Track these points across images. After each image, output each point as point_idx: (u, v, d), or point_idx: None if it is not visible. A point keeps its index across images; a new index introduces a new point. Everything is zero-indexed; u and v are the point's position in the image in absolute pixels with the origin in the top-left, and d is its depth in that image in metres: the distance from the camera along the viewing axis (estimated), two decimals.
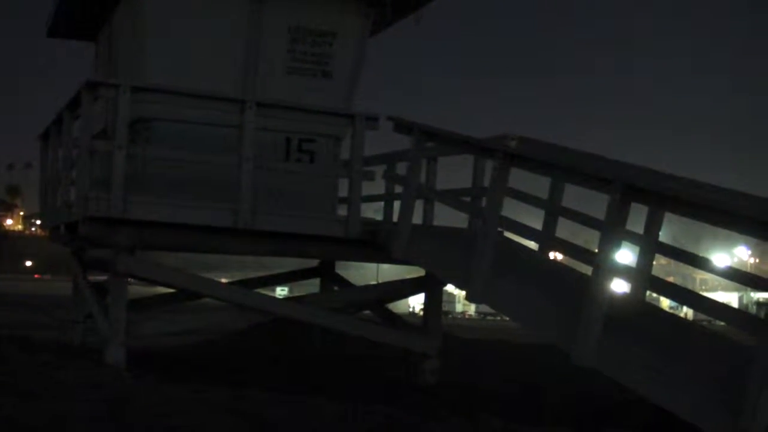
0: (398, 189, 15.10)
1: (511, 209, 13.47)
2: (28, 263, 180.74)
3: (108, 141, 13.05)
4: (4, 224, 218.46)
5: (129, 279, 13.04)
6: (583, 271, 12.08)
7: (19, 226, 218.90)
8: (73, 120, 13.45)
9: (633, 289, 11.43)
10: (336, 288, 16.95)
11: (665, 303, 44.10)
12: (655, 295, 11.99)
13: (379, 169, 15.47)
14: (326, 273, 17.17)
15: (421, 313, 15.71)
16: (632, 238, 11.39)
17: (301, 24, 14.80)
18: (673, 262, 13.06)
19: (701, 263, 11.80)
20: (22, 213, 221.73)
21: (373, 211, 16.53)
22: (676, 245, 12.84)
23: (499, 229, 12.64)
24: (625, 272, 11.57)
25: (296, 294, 18.73)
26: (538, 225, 13.59)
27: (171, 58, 14.13)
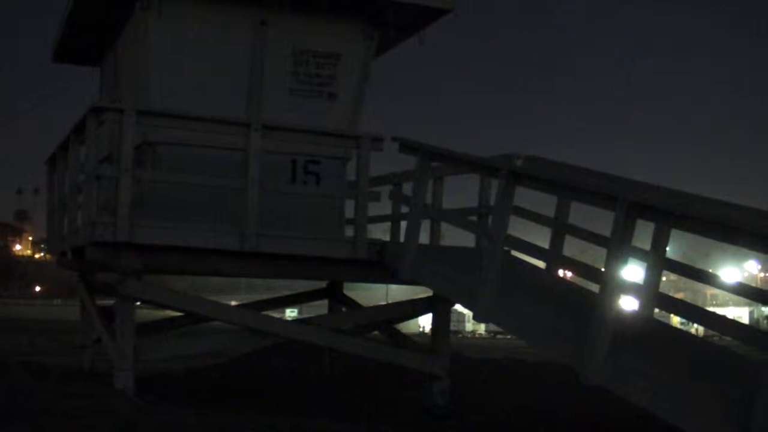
0: (405, 209, 15.08)
1: (519, 227, 13.49)
2: (37, 288, 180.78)
3: (113, 165, 13.05)
4: (13, 249, 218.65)
5: (136, 303, 13.04)
6: (591, 289, 12.07)
7: (28, 251, 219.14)
8: (79, 145, 13.46)
9: (641, 306, 11.40)
10: (344, 309, 16.92)
11: (675, 319, 43.97)
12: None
13: (386, 190, 15.47)
14: (335, 294, 17.15)
15: (430, 333, 15.66)
16: (639, 254, 11.37)
17: (304, 46, 14.83)
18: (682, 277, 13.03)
19: (709, 279, 11.80)
20: (30, 238, 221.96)
21: (380, 232, 16.51)
22: (685, 260, 12.82)
23: (506, 248, 12.62)
24: (633, 289, 11.54)
25: (306, 315, 18.73)
26: (545, 243, 13.58)
27: (175, 81, 14.16)
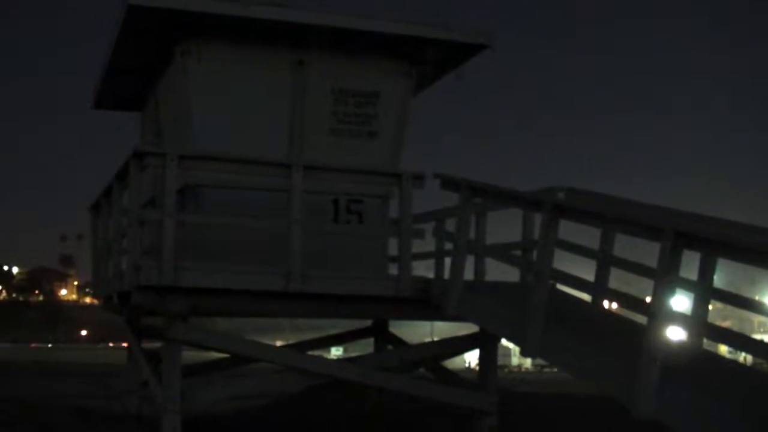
0: (449, 245, 15.03)
1: (563, 260, 13.40)
2: (83, 332, 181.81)
3: (157, 210, 13.10)
4: (59, 294, 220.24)
5: (183, 345, 13.06)
6: (638, 321, 11.96)
7: (74, 296, 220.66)
8: (122, 190, 13.54)
9: (690, 336, 11.28)
10: (390, 347, 16.86)
11: (723, 348, 43.56)
12: None
13: (429, 226, 15.45)
14: (380, 332, 17.10)
15: (477, 368, 15.56)
16: (686, 284, 11.27)
17: (344, 86, 14.89)
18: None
19: (756, 307, 11.66)
20: (75, 282, 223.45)
21: (424, 269, 16.47)
22: (731, 288, 12.68)
23: (551, 281, 12.54)
24: (680, 320, 11.43)
25: (351, 353, 18.67)
26: (590, 275, 13.49)
27: (216, 124, 14.25)
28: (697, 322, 11.21)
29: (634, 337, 10.38)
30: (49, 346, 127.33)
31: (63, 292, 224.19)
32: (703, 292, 11.23)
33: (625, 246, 13.24)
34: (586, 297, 13.77)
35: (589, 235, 13.45)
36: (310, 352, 15.93)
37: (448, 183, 13.16)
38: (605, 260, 13.29)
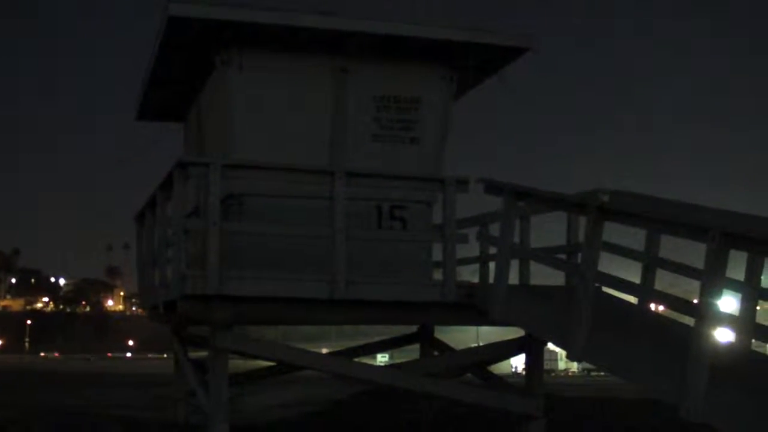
0: (493, 250, 15.00)
1: (609, 261, 13.34)
2: (130, 342, 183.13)
3: (201, 219, 13.16)
4: (106, 305, 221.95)
5: (229, 354, 13.09)
6: (685, 322, 11.89)
7: (120, 306, 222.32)
8: (166, 200, 13.61)
9: (738, 337, 11.20)
10: (436, 352, 16.84)
11: None
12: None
13: (472, 231, 15.42)
14: (426, 338, 17.09)
15: (524, 372, 15.50)
16: (734, 285, 11.18)
17: (385, 92, 14.90)
18: None
19: None
20: (122, 293, 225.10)
21: (469, 273, 16.43)
22: None
23: (597, 284, 12.48)
24: (728, 321, 11.35)
25: (397, 359, 18.65)
26: (636, 276, 13.41)
27: (258, 132, 14.30)
28: (745, 322, 11.13)
29: (681, 338, 10.31)
30: (89, 358, 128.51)
31: (110, 302, 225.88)
32: (751, 292, 11.14)
33: (671, 247, 13.18)
34: (632, 299, 13.70)
35: (633, 237, 13.41)
36: (356, 359, 15.93)
37: (492, 187, 13.13)
38: (651, 262, 13.22)
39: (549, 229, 16.18)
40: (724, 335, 11.39)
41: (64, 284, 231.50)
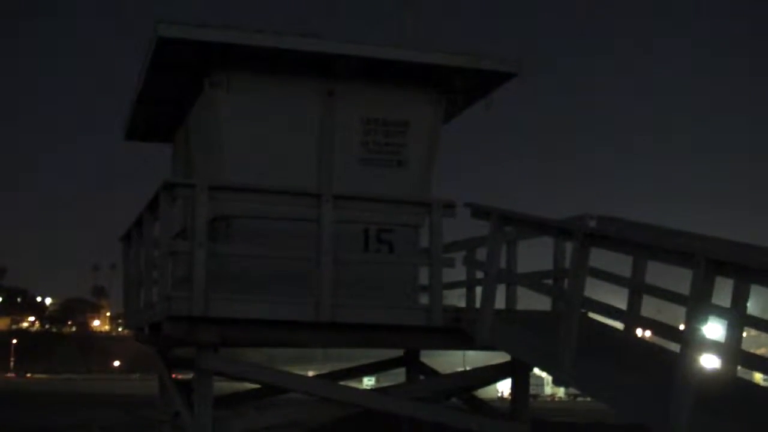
0: (480, 274, 14.99)
1: (598, 287, 13.34)
2: (116, 363, 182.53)
3: (187, 240, 13.13)
4: (91, 325, 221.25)
5: (214, 376, 13.05)
6: (671, 349, 11.89)
7: (106, 326, 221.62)
8: (153, 221, 13.58)
9: (724, 364, 11.20)
10: (422, 377, 16.80)
11: (758, 376, 43.19)
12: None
13: (460, 255, 15.42)
14: (412, 362, 17.05)
15: (509, 397, 15.49)
16: (719, 311, 11.19)
17: (373, 115, 14.89)
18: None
19: None
20: (108, 313, 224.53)
21: (456, 298, 16.43)
22: (766, 315, 12.58)
23: (583, 309, 12.49)
24: (714, 347, 11.36)
25: (383, 383, 18.61)
26: (622, 302, 13.42)
27: (246, 154, 14.28)
28: (730, 349, 11.13)
29: (667, 364, 10.31)
30: (74, 377, 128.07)
31: (96, 323, 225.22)
32: (737, 318, 11.15)
33: (657, 274, 13.19)
34: (618, 325, 13.71)
35: (621, 263, 13.41)
36: (341, 382, 15.89)
37: (479, 212, 13.15)
38: (637, 288, 13.23)
39: (537, 254, 16.18)
40: (709, 362, 11.39)
41: (50, 303, 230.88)
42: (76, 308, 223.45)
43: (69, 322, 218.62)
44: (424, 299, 14.37)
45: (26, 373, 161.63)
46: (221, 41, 13.85)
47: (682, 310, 9.82)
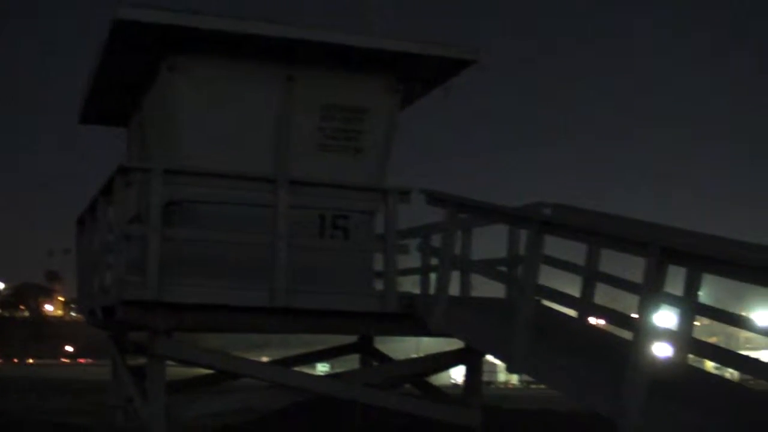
0: (434, 261, 15.02)
1: (549, 276, 13.39)
2: (69, 348, 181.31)
3: (142, 225, 13.07)
4: (44, 309, 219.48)
5: (167, 361, 13.01)
6: (624, 337, 11.96)
7: (59, 311, 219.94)
8: (107, 205, 13.50)
9: (675, 352, 11.28)
10: (376, 363, 16.83)
11: (709, 364, 43.49)
12: None
13: (414, 242, 15.44)
14: (366, 348, 17.07)
15: (463, 384, 15.54)
16: (672, 300, 11.27)
17: (331, 101, 14.84)
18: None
19: (742, 323, 11.66)
20: (61, 298, 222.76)
21: (410, 284, 16.45)
22: (718, 304, 12.67)
23: (537, 297, 12.53)
24: (666, 335, 11.43)
25: (338, 369, 18.62)
26: (574, 290, 13.48)
27: (203, 139, 14.20)
28: (682, 337, 11.21)
29: (620, 352, 10.38)
30: (30, 362, 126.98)
31: (49, 307, 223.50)
32: (689, 307, 11.23)
33: (611, 261, 13.26)
34: (572, 313, 13.77)
35: (576, 251, 13.47)
36: (296, 368, 15.88)
37: (434, 198, 13.17)
38: (591, 276, 13.29)
39: (491, 241, 16.22)
40: (662, 350, 11.47)
41: (3, 288, 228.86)
42: (29, 293, 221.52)
43: (22, 307, 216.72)
44: (379, 285, 14.38)
45: None
46: (180, 24, 13.73)
47: (636, 300, 9.88)
